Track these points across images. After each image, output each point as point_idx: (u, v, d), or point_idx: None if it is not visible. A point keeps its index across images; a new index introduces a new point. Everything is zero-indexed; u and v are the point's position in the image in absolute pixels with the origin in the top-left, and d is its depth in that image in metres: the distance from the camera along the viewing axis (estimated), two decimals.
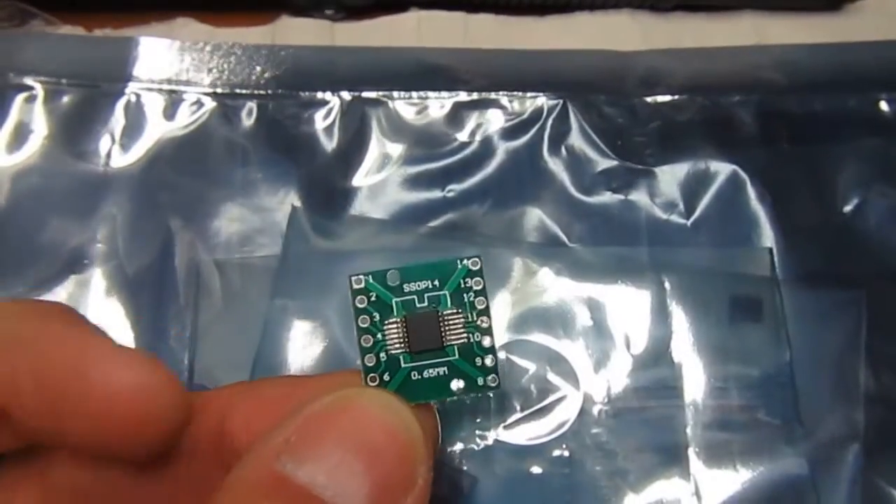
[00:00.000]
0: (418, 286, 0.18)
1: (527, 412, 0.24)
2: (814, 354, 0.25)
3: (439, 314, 0.18)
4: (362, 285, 0.18)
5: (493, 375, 0.18)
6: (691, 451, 0.24)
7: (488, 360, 0.18)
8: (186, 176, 0.27)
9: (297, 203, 0.27)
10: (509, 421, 0.24)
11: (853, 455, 0.24)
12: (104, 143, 0.28)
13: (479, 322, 0.18)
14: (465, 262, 0.18)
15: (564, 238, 0.27)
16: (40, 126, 0.28)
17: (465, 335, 0.18)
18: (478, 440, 0.24)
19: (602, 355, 0.25)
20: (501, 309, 0.25)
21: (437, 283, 0.18)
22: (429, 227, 0.27)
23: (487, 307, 0.18)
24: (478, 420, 0.24)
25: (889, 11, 0.30)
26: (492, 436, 0.24)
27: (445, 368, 0.18)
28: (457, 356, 0.18)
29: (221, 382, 0.24)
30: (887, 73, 0.29)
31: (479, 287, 0.18)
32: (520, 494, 0.23)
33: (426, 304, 0.18)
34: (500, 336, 0.25)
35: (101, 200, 0.27)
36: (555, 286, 0.26)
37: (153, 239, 0.26)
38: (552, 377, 0.25)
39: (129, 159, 0.27)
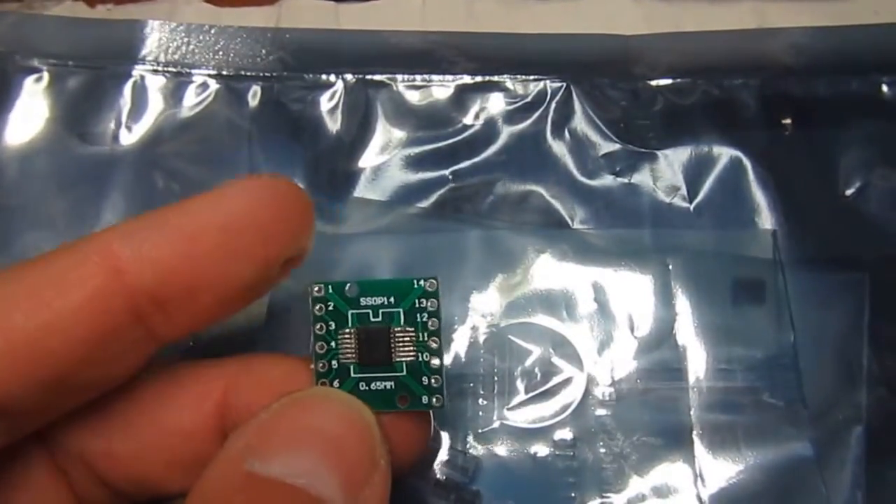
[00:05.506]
0: (374, 301, 0.18)
1: (531, 394, 0.23)
2: (817, 337, 0.24)
3: (391, 330, 0.18)
4: (322, 294, 0.18)
5: (438, 396, 0.18)
6: (695, 434, 0.23)
7: (434, 381, 0.18)
8: (192, 157, 0.26)
9: (301, 185, 0.25)
10: (513, 403, 0.23)
11: (857, 437, 0.23)
12: (110, 125, 0.27)
13: (429, 342, 0.18)
14: (421, 282, 0.18)
15: (568, 220, 0.25)
16: (47, 108, 0.27)
17: (414, 353, 0.18)
18: (482, 422, 0.23)
19: (606, 338, 0.24)
20: (505, 291, 0.24)
21: (392, 300, 0.18)
22: (432, 209, 0.26)
23: (439, 329, 0.18)
24: (482, 402, 0.23)
25: None
26: (496, 418, 0.23)
27: (392, 383, 0.18)
28: (404, 372, 0.18)
29: None
30: (889, 56, 0.27)
31: (434, 308, 0.18)
32: (523, 476, 0.22)
33: (380, 319, 0.18)
34: (504, 318, 0.24)
35: (106, 182, 0.26)
36: (558, 269, 0.25)
37: None
38: (556, 360, 0.23)
39: (135, 141, 0.26)
